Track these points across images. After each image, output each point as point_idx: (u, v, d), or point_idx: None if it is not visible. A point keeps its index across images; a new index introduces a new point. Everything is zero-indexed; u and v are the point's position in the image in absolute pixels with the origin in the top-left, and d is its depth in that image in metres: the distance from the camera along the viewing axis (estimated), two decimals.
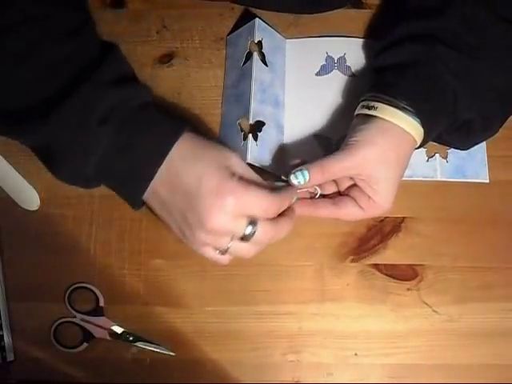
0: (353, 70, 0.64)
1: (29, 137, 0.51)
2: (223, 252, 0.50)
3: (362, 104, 0.55)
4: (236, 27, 0.66)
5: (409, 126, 0.51)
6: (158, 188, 0.49)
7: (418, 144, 0.53)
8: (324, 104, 0.63)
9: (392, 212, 0.60)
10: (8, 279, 0.60)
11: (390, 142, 0.52)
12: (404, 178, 0.59)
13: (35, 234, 0.61)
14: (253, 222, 0.48)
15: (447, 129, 0.55)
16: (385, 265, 0.60)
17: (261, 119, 0.60)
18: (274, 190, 0.49)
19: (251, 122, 0.60)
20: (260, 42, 0.62)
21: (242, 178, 0.48)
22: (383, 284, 0.59)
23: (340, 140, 0.60)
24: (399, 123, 0.51)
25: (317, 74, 0.64)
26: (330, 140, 0.62)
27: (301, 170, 0.52)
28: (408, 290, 0.59)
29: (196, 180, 0.47)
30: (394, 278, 0.59)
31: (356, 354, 0.58)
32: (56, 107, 0.48)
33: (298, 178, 0.52)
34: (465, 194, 0.61)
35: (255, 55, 0.62)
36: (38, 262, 0.61)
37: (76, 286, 0.60)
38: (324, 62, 0.64)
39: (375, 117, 0.52)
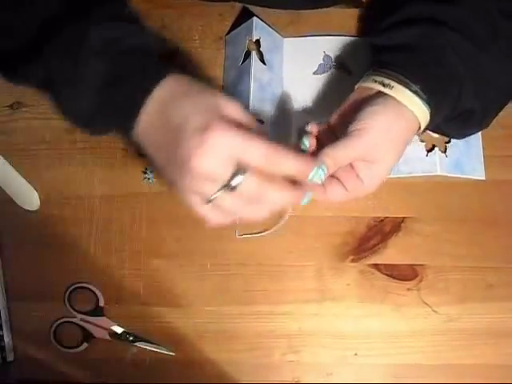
0: (350, 68, 0.64)
1: (31, 73, 0.51)
2: (208, 202, 0.45)
3: (373, 78, 0.51)
4: (234, 26, 0.66)
5: (420, 111, 0.50)
6: (146, 127, 0.47)
7: (421, 131, 0.52)
8: (321, 102, 0.63)
9: (392, 212, 0.60)
10: (8, 279, 0.61)
11: (402, 127, 0.50)
12: (403, 175, 0.60)
13: (35, 234, 0.61)
14: (241, 171, 0.43)
15: (446, 117, 0.53)
16: (385, 265, 0.60)
17: (260, 118, 0.60)
18: (273, 142, 0.44)
19: None
20: (258, 41, 0.63)
21: (233, 121, 0.44)
22: (383, 284, 0.59)
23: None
24: (413, 108, 0.49)
25: (314, 73, 0.64)
26: None
27: (319, 166, 0.48)
28: (408, 289, 0.59)
29: (182, 119, 0.44)
30: (394, 277, 0.59)
31: (356, 354, 0.58)
32: (51, 39, 0.48)
33: (321, 175, 0.48)
34: (465, 193, 0.61)
35: (253, 54, 0.62)
36: (38, 262, 0.61)
37: (76, 286, 0.60)
38: (321, 61, 0.64)
39: (388, 96, 0.50)
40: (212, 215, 0.47)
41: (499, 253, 0.59)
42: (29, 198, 0.62)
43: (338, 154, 0.49)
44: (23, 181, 0.62)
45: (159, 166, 0.48)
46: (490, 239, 0.60)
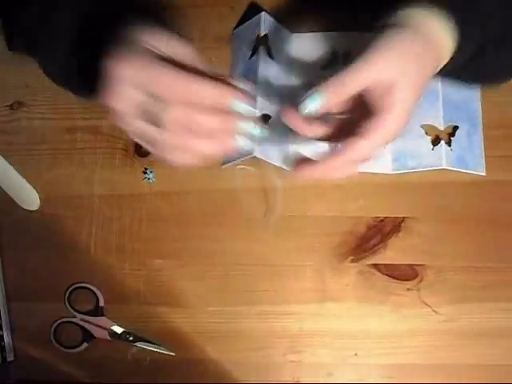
0: None
1: (20, 33, 0.52)
2: (144, 141, 0.44)
3: (384, 17, 0.46)
4: (242, 21, 0.65)
5: (444, 37, 0.44)
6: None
7: (442, 65, 0.46)
8: None
9: (392, 212, 0.60)
10: (8, 279, 0.61)
11: (419, 48, 0.44)
12: (410, 170, 0.60)
13: (35, 233, 0.61)
14: (161, 103, 0.41)
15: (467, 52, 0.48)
16: (385, 265, 0.60)
17: (267, 113, 0.60)
18: (199, 73, 0.43)
19: (258, 115, 0.59)
20: (266, 36, 0.62)
21: (160, 57, 0.43)
22: (383, 284, 0.59)
23: None
24: (436, 31, 0.44)
25: (323, 68, 0.64)
26: None
27: (313, 93, 0.43)
28: (408, 289, 0.59)
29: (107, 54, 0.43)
30: (394, 277, 0.59)
31: (356, 354, 0.58)
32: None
33: (314, 102, 0.44)
34: (465, 193, 0.61)
35: (261, 49, 0.61)
36: (37, 261, 0.61)
37: (76, 285, 0.60)
38: (329, 57, 0.64)
39: (407, 21, 0.44)
40: (168, 154, 0.44)
41: (499, 253, 0.59)
42: (29, 197, 0.62)
43: (344, 78, 0.43)
44: (23, 181, 0.62)
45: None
46: (490, 239, 0.60)
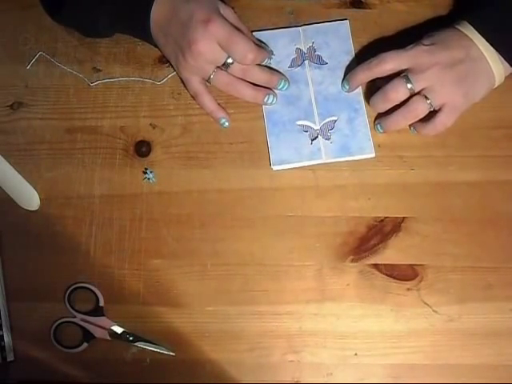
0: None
1: None
2: (207, 79, 0.59)
3: None
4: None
5: (487, 52, 0.56)
6: (158, 21, 0.58)
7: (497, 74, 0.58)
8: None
9: (392, 212, 0.60)
10: (8, 279, 0.61)
11: (460, 49, 0.57)
12: (291, 165, 0.61)
13: (35, 234, 0.61)
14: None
15: None
16: (385, 265, 0.60)
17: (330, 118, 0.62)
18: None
19: (320, 122, 0.62)
20: (310, 47, 0.64)
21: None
22: (383, 284, 0.59)
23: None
24: (477, 42, 0.56)
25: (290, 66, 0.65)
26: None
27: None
28: (408, 289, 0.59)
29: (188, 13, 0.57)
30: (394, 277, 0.59)
31: (356, 354, 0.58)
32: None
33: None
34: (465, 193, 0.61)
35: (307, 63, 0.64)
36: (38, 262, 0.61)
37: (76, 285, 0.60)
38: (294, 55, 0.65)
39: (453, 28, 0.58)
40: (204, 93, 0.61)
41: (499, 253, 0.59)
42: (29, 197, 0.62)
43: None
44: (23, 181, 0.62)
45: (167, 54, 0.61)
46: (490, 239, 0.60)
